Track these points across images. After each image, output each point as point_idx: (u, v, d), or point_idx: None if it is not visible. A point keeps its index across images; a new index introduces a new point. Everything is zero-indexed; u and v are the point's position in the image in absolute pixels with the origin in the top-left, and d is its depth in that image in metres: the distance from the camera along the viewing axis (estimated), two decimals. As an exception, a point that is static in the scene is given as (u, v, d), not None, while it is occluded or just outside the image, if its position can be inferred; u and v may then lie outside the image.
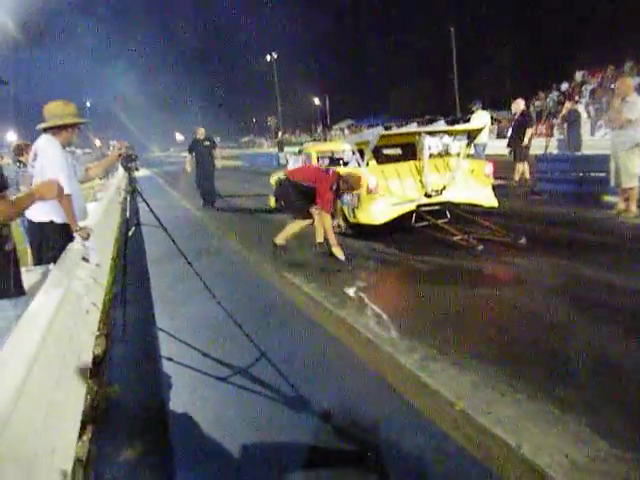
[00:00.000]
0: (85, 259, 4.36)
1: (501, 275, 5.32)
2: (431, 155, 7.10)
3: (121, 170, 30.39)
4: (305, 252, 6.69)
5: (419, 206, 6.97)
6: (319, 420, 2.79)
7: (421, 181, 7.00)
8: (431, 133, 7.21)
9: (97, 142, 76.63)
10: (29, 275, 3.41)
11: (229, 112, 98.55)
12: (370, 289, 4.98)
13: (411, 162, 7.21)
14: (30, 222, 4.23)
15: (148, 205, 4.74)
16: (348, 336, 3.90)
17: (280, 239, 6.45)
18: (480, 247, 5.83)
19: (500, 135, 26.32)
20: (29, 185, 4.29)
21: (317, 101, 64.07)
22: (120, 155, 4.52)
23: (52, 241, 4.12)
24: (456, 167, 7.16)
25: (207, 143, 12.26)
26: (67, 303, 3.18)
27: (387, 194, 6.82)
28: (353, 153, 7.51)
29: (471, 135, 7.53)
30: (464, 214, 7.11)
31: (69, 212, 4.08)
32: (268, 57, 53.31)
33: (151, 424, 2.96)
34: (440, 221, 6.87)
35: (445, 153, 7.36)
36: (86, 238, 4.32)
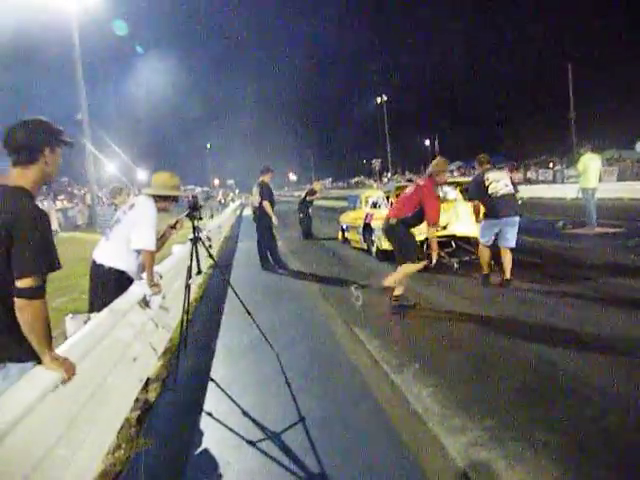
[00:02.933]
0: (144, 304, 4.46)
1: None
2: None
3: (229, 209, 32.15)
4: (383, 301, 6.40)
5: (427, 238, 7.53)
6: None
7: None
8: None
9: (216, 181, 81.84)
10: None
11: (341, 154, 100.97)
12: (430, 347, 4.62)
13: None
14: (100, 266, 4.42)
15: (211, 255, 4.82)
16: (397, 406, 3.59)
17: (389, 282, 6.14)
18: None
19: (622, 177, 24.38)
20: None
21: (427, 142, 63.85)
22: (176, 223, 4.62)
23: (115, 289, 4.27)
24: (455, 209, 8.88)
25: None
26: (104, 350, 3.23)
27: None
28: (384, 199, 10.01)
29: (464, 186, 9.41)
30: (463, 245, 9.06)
31: (150, 267, 4.35)
32: (378, 99, 54.22)
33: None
34: (445, 250, 8.87)
35: (444, 199, 9.40)
36: (157, 293, 4.47)
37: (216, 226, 14.65)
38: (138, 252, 4.32)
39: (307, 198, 15.11)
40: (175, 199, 4.52)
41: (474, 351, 4.51)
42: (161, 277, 5.26)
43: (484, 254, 6.99)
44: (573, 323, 4.93)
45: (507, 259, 6.68)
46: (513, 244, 6.72)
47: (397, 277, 6.11)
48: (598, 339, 4.46)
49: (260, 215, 9.89)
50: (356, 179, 72.40)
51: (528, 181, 37.88)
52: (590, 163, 11.28)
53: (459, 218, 8.77)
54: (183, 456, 3.16)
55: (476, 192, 6.97)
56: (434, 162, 6.31)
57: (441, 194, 9.25)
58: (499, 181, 6.75)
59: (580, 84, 39.95)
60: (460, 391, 3.67)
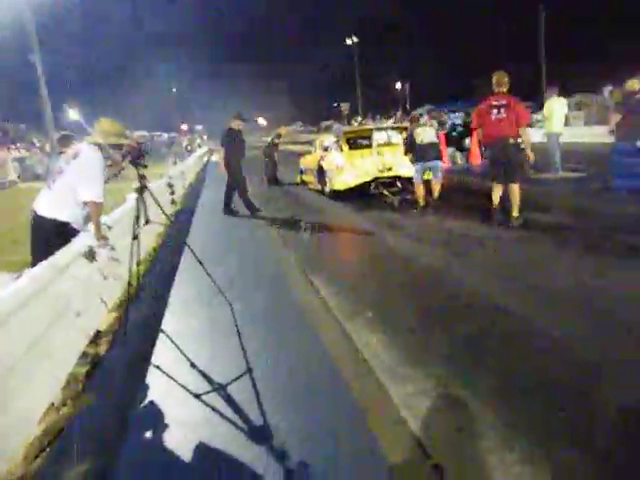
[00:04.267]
0: (91, 256, 4.29)
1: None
2: (382, 144, 10.43)
3: (197, 154, 31.38)
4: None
5: (375, 178, 10.00)
6: (276, 454, 2.51)
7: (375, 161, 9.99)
8: (379, 129, 10.97)
9: (184, 126, 79.76)
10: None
11: (313, 97, 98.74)
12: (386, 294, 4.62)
13: (371, 149, 10.21)
14: (42, 218, 4.21)
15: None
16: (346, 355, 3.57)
17: (516, 212, 6.77)
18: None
19: (588, 122, 24.46)
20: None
21: (399, 85, 62.73)
22: (127, 152, 4.40)
23: (60, 241, 4.08)
24: (399, 152, 9.80)
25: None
26: (40, 305, 3.10)
27: (352, 169, 9.98)
28: (336, 143, 10.79)
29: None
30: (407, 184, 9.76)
31: (97, 220, 4.26)
32: (349, 41, 52.65)
33: (109, 442, 2.81)
34: (392, 189, 10.03)
35: (389, 143, 10.60)
36: (104, 246, 4.33)
37: (179, 172, 14.23)
38: (85, 203, 4.14)
39: (273, 141, 14.84)
40: (118, 147, 4.31)
41: (426, 296, 4.53)
42: (109, 228, 5.08)
43: (419, 190, 8.55)
44: (524, 268, 4.97)
45: (436, 188, 8.59)
46: (439, 179, 8.59)
47: (517, 201, 6.76)
48: (548, 283, 4.49)
49: (228, 161, 9.66)
50: (326, 123, 71.11)
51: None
52: (556, 107, 11.20)
53: (403, 160, 9.65)
54: (127, 410, 3.11)
55: (409, 143, 8.72)
56: (496, 79, 6.98)
57: (386, 138, 10.79)
58: (425, 134, 8.56)
59: (552, 29, 39.41)
60: (411, 339, 3.66)
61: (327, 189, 10.89)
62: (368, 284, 5.05)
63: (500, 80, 6.93)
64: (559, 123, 11.25)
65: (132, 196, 7.32)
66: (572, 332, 3.50)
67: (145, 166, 4.48)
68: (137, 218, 4.47)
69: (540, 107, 19.64)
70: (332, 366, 3.36)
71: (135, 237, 4.38)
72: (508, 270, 4.98)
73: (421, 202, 8.51)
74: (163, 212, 4.70)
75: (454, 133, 18.09)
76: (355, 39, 51.49)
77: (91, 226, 4.36)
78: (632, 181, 7.97)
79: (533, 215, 7.15)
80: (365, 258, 6.21)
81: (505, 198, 6.98)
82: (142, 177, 4.47)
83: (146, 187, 4.50)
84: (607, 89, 26.26)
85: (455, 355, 3.35)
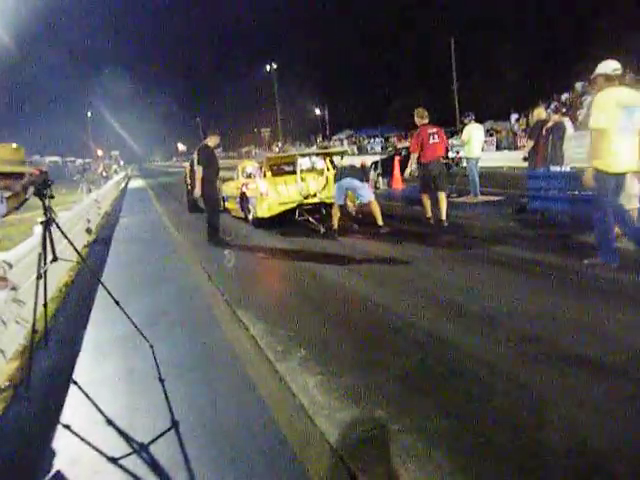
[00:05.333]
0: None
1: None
2: (305, 170, 10.54)
3: (113, 180, 30.08)
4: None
5: (299, 205, 9.82)
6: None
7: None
8: (302, 155, 10.89)
9: (99, 152, 76.86)
10: None
11: (231, 124, 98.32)
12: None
13: (294, 175, 10.02)
14: None
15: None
16: (282, 400, 3.28)
17: (444, 216, 8.46)
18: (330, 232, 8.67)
19: (500, 147, 25.79)
20: None
21: (318, 111, 63.81)
22: (29, 182, 3.93)
23: None
24: (323, 178, 10.11)
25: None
26: None
27: (275, 196, 9.70)
28: (258, 169, 10.44)
29: (334, 156, 10.93)
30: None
31: None
32: (268, 67, 53.08)
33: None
34: (316, 216, 9.80)
35: (313, 169, 10.86)
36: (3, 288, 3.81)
37: (91, 201, 13.42)
38: None
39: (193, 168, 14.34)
40: (18, 176, 3.82)
41: (360, 328, 4.34)
42: (10, 266, 4.55)
43: (336, 213, 8.68)
44: (456, 294, 4.92)
45: (375, 209, 8.41)
46: (366, 200, 8.51)
47: (445, 206, 8.48)
48: (480, 309, 4.44)
49: (204, 182, 8.52)
50: (246, 149, 70.88)
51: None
52: (474, 132, 11.59)
53: (327, 186, 9.88)
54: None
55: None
56: (419, 113, 8.69)
57: (310, 164, 11.20)
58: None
59: (463, 56, 41.70)
60: (350, 378, 3.44)
61: (250, 217, 10.64)
62: (298, 317, 4.79)
63: (422, 114, 8.69)
64: (477, 148, 11.65)
65: (38, 229, 6.73)
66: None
67: (52, 197, 4.02)
68: (42, 255, 3.98)
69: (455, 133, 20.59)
70: (268, 415, 3.06)
71: (40, 276, 3.89)
72: (444, 294, 4.91)
73: (335, 224, 8.62)
74: (74, 249, 4.22)
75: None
76: (274, 65, 51.95)
77: None
78: (546, 203, 8.34)
79: (455, 238, 7.25)
80: (293, 289, 5.95)
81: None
82: (48, 209, 4.00)
83: (53, 220, 4.04)
84: (514, 117, 28.02)
85: (395, 393, 3.16)
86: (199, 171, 8.47)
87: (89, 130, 69.75)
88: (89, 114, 69.88)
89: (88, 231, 11.11)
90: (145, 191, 26.94)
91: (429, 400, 3.05)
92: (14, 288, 4.47)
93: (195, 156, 8.91)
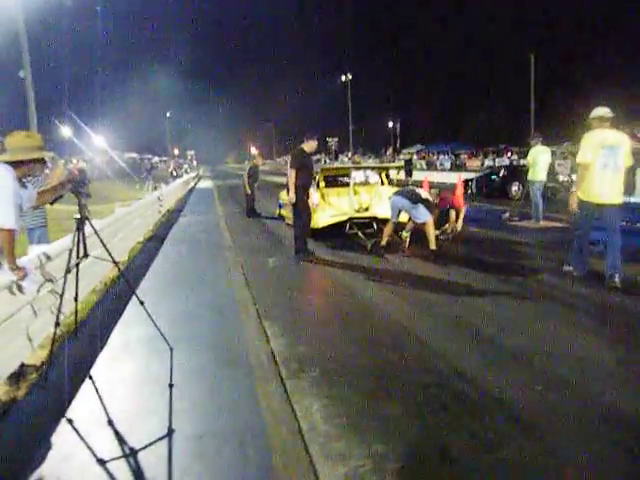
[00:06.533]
0: (17, 289, 3.91)
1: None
2: (359, 183, 10.54)
3: (182, 180, 31.10)
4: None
5: (350, 218, 9.64)
6: None
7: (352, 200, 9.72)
8: (357, 168, 11.06)
9: (175, 150, 79.83)
10: None
11: (303, 131, 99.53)
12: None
13: (347, 187, 9.92)
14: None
15: (105, 247, 4.30)
16: (281, 423, 3.18)
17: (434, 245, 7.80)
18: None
19: (575, 171, 24.56)
20: None
21: (390, 124, 63.54)
22: (67, 180, 4.06)
23: None
24: (376, 192, 10.06)
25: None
26: None
27: (327, 208, 9.56)
28: (314, 179, 9.86)
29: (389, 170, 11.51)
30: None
31: (8, 248, 3.70)
32: (343, 77, 53.45)
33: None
34: (367, 230, 9.73)
35: (367, 182, 10.88)
36: (22, 279, 3.92)
37: (153, 199, 13.90)
38: None
39: (249, 173, 14.50)
40: (39, 161, 3.91)
41: (383, 354, 4.15)
42: (48, 258, 4.71)
43: (389, 229, 8.47)
44: (494, 325, 4.65)
45: (429, 231, 7.90)
46: (420, 220, 8.01)
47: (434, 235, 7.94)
48: (511, 343, 4.16)
49: (296, 187, 8.04)
50: (316, 157, 71.61)
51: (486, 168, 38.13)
52: (539, 156, 11.09)
53: (381, 201, 9.66)
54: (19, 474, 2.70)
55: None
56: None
57: (363, 178, 11.11)
58: None
59: (544, 75, 40.24)
60: (357, 406, 3.29)
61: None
62: (324, 335, 4.67)
63: None
64: (543, 171, 11.13)
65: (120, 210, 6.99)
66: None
67: (88, 195, 4.13)
68: (74, 250, 4.09)
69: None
70: (263, 437, 2.97)
71: (69, 270, 4.00)
72: (483, 329, 4.66)
73: (382, 241, 8.45)
74: (105, 249, 4.31)
75: (494, 177, 17.60)
76: (349, 76, 52.24)
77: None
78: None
79: (505, 265, 6.90)
80: (327, 304, 5.85)
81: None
82: (83, 207, 4.11)
83: (87, 218, 4.15)
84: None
85: (400, 429, 2.99)
86: (292, 176, 7.98)
87: (168, 129, 72.78)
88: (168, 114, 72.89)
89: (106, 249, 11.43)
90: (211, 192, 27.66)
91: (431, 442, 2.86)
92: (51, 280, 4.62)
93: (289, 159, 8.49)
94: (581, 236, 6.15)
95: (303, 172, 8.00)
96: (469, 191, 18.23)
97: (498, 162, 39.48)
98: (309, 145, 8.19)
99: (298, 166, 7.98)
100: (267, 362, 4.05)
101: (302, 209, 8.12)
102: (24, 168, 3.79)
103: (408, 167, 25.20)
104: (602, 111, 6.03)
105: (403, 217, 8.52)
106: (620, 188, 5.86)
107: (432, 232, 7.88)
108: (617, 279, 5.64)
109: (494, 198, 16.66)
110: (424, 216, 7.94)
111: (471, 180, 18.82)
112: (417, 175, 27.72)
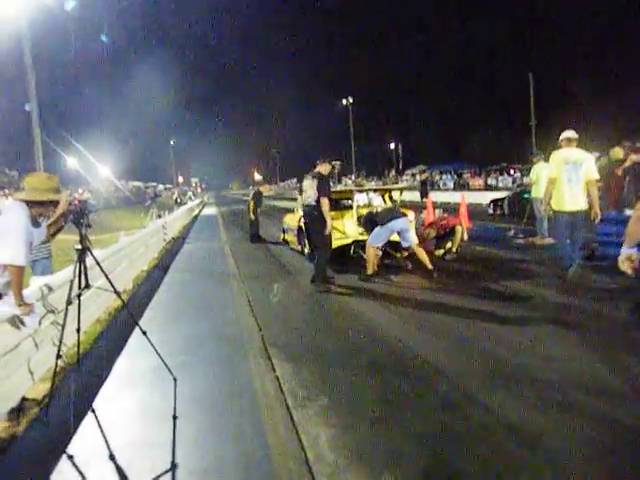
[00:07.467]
0: (19, 322, 3.87)
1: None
2: (362, 205, 10.32)
3: (186, 207, 31.22)
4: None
5: (355, 241, 9.52)
6: None
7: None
8: (360, 191, 10.78)
9: (180, 178, 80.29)
10: None
11: (306, 156, 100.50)
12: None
13: (351, 210, 9.79)
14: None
15: (108, 279, 4.27)
16: (288, 454, 3.09)
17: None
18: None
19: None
20: None
21: (392, 146, 63.94)
22: (68, 211, 4.06)
23: None
24: None
25: None
26: None
27: (331, 231, 8.23)
28: None
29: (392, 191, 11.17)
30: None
31: (17, 284, 3.75)
32: (344, 101, 53.95)
33: None
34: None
35: (370, 205, 10.53)
36: (26, 314, 3.90)
37: (157, 227, 13.91)
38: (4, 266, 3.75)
39: (254, 199, 14.54)
40: (54, 204, 3.97)
41: (391, 382, 4.05)
42: (50, 289, 4.67)
43: (371, 255, 8.04)
44: (507, 353, 4.55)
45: (419, 254, 7.88)
46: (406, 244, 8.08)
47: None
48: (530, 374, 4.06)
49: (317, 215, 7.59)
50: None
51: (489, 187, 38.12)
52: (542, 173, 11.02)
53: None
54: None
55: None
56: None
57: (367, 200, 10.91)
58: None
59: (543, 92, 40.50)
60: (365, 435, 3.19)
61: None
62: (331, 361, 4.57)
63: None
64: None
65: (124, 239, 6.97)
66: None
67: (89, 226, 4.12)
68: (75, 281, 4.06)
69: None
70: (270, 469, 2.88)
71: (70, 302, 3.96)
72: (493, 353, 4.56)
73: (369, 270, 7.95)
74: (108, 279, 4.27)
75: (527, 195, 14.88)
76: (350, 100, 52.73)
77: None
78: (618, 250, 7.70)
79: (512, 283, 6.81)
80: (333, 330, 5.73)
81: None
82: (84, 238, 4.09)
83: (88, 248, 4.12)
84: (594, 155, 26.59)
85: (409, 459, 2.89)
86: (325, 203, 7.43)
87: (171, 157, 73.44)
88: (172, 142, 73.60)
89: (109, 281, 11.42)
90: (215, 218, 27.80)
91: (440, 468, 2.76)
92: (52, 311, 4.58)
93: (309, 182, 7.85)
94: (562, 236, 7.04)
95: (328, 196, 7.59)
96: (498, 211, 17.21)
97: (501, 180, 39.48)
98: (324, 167, 7.83)
99: (328, 193, 7.56)
100: (273, 391, 3.96)
101: (325, 236, 7.68)
102: (40, 208, 3.88)
103: (424, 188, 24.17)
104: (569, 133, 7.11)
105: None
106: (584, 197, 6.88)
107: (422, 254, 7.86)
108: (573, 268, 6.75)
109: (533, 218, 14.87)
110: (412, 239, 8.07)
111: (501, 200, 17.51)
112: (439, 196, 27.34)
